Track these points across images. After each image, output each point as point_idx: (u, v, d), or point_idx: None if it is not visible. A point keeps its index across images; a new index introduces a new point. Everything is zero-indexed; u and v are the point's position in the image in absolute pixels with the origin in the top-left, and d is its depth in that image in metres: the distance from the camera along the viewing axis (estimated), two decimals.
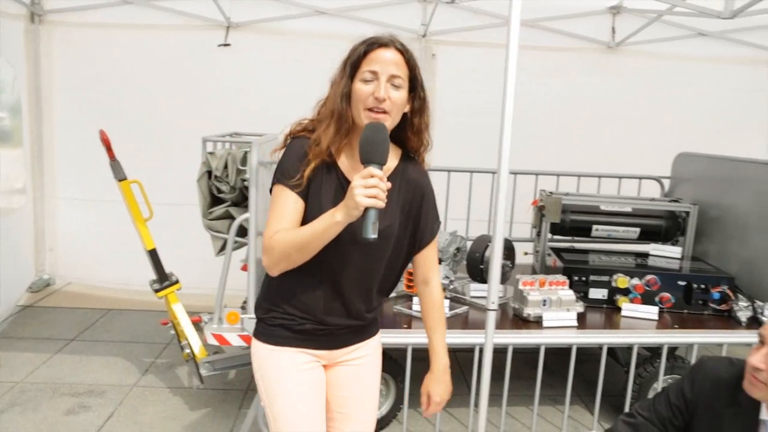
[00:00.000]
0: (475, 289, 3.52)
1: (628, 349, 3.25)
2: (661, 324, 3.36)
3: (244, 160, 3.40)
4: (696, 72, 5.19)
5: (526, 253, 4.27)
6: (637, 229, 4.00)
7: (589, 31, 5.13)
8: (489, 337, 2.37)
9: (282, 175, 1.70)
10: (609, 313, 3.48)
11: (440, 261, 3.58)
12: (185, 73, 4.93)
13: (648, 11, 4.78)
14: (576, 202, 3.96)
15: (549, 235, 4.00)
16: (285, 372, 1.81)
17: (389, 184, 1.56)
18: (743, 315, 3.38)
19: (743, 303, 3.41)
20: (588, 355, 3.82)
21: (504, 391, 3.13)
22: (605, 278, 3.52)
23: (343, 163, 1.75)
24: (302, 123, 1.80)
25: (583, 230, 4.01)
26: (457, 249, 3.64)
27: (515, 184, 4.22)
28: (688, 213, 3.99)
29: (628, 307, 3.43)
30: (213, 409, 3.53)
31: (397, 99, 1.67)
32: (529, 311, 3.20)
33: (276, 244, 1.64)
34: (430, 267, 1.94)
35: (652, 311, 3.40)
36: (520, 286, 3.26)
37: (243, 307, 3.28)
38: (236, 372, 3.95)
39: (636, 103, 5.13)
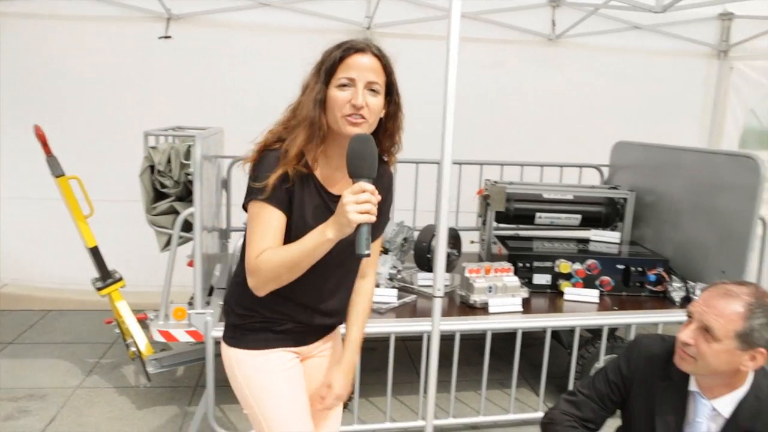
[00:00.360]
0: (422, 278, 3.57)
1: (571, 331, 3.36)
2: (602, 306, 3.49)
3: (187, 154, 3.35)
4: (632, 64, 5.36)
5: (472, 242, 4.35)
6: (579, 216, 4.13)
7: (530, 24, 5.23)
8: (436, 324, 2.41)
9: (259, 191, 1.60)
10: (552, 297, 3.59)
11: (387, 251, 3.62)
12: (125, 66, 4.79)
13: (585, 4, 4.91)
14: (520, 190, 4.06)
15: (494, 224, 4.09)
16: (272, 374, 1.80)
17: (380, 197, 1.51)
18: (677, 295, 3.54)
19: (677, 284, 3.57)
20: (533, 339, 3.93)
21: (452, 376, 3.19)
22: (548, 264, 3.63)
23: (320, 172, 1.69)
24: (274, 132, 1.69)
25: (526, 218, 4.11)
26: (405, 239, 3.68)
27: (460, 174, 4.28)
28: (625, 199, 4.14)
29: (571, 291, 3.54)
30: (161, 407, 3.47)
31: (375, 105, 1.62)
32: (476, 298, 3.27)
33: (264, 265, 1.58)
34: (370, 262, 1.93)
35: (593, 294, 3.52)
36: (467, 274, 3.32)
37: (190, 303, 3.24)
38: (185, 369, 3.89)
39: (576, 94, 5.26)
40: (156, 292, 3.42)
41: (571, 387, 3.35)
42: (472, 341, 3.39)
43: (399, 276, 3.53)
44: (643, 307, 3.50)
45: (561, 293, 3.58)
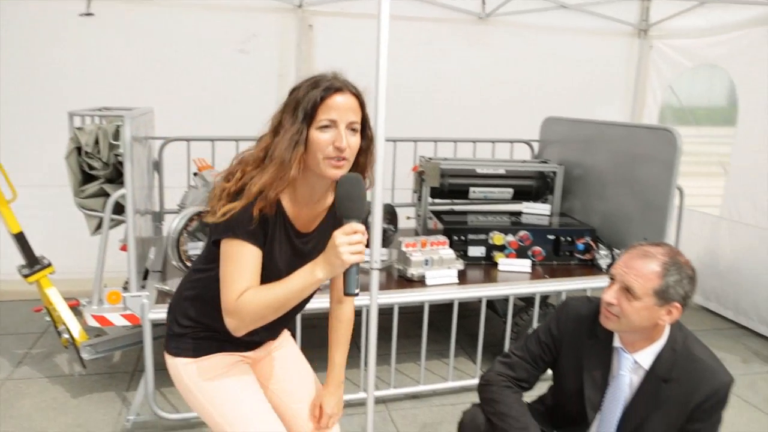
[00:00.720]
0: None
1: (505, 300, 3.48)
2: (534, 275, 3.63)
3: (116, 135, 3.25)
4: (559, 42, 5.51)
5: (408, 218, 4.43)
6: (511, 190, 4.25)
7: (461, 2, 5.30)
8: (374, 297, 2.45)
9: (233, 228, 1.56)
10: (487, 268, 3.71)
11: None
12: (46, 44, 4.58)
13: None
14: (453, 166, 4.15)
15: (429, 199, 4.16)
16: (225, 376, 1.80)
17: (366, 236, 1.51)
18: (604, 262, 3.73)
19: (603, 252, 3.76)
20: (470, 311, 4.05)
21: (392, 349, 3.26)
22: (482, 237, 3.74)
23: (289, 210, 1.67)
24: (246, 172, 1.60)
25: (461, 193, 4.21)
26: None
27: (395, 151, 4.34)
28: (555, 173, 4.29)
29: (504, 262, 3.67)
30: (98, 394, 3.39)
31: (355, 144, 1.60)
32: (413, 271, 3.34)
33: (246, 306, 1.55)
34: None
35: (525, 264, 3.66)
36: (403, 248, 3.38)
37: (125, 288, 3.17)
38: (121, 354, 3.81)
39: (506, 72, 5.38)
40: (87, 279, 3.33)
41: None
42: (411, 314, 3.46)
43: None
44: (573, 274, 3.66)
45: (495, 264, 3.70)
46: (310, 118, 1.54)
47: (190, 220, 3.28)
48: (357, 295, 1.54)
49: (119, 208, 3.10)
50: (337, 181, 1.56)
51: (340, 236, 1.48)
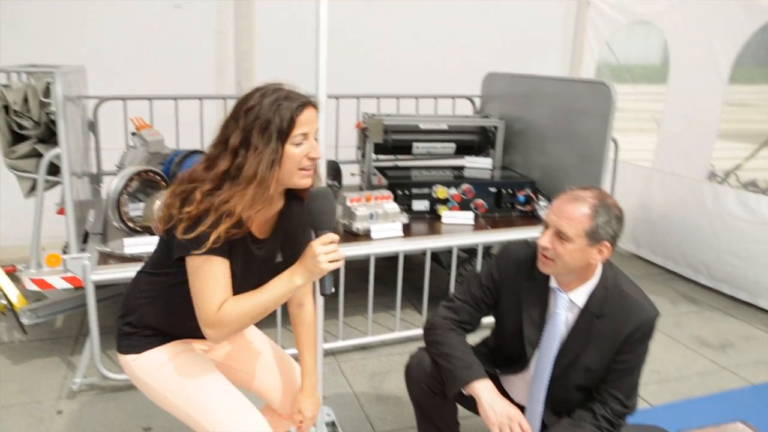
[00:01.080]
0: None
1: (449, 252, 3.57)
2: (477, 227, 3.73)
3: (47, 92, 3.12)
4: None
5: (353, 174, 4.45)
6: (453, 145, 4.32)
7: None
8: None
9: (201, 244, 1.55)
10: (431, 222, 3.79)
11: None
12: None
13: None
14: (396, 122, 4.17)
15: (373, 156, 4.19)
16: (179, 360, 1.80)
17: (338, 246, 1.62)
18: (543, 213, 3.83)
19: (543, 203, 3.88)
20: (415, 264, 4.14)
21: (340, 302, 3.32)
22: (426, 191, 3.80)
23: (247, 220, 1.65)
24: (204, 191, 1.59)
25: (404, 148, 4.25)
26: None
27: (338, 108, 4.32)
28: (496, 127, 4.38)
29: (448, 215, 3.75)
30: (42, 360, 3.33)
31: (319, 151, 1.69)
32: (358, 225, 3.38)
33: (227, 317, 1.59)
34: (305, 291, 1.99)
35: (468, 217, 3.75)
36: (348, 203, 3.41)
37: (65, 252, 3.09)
38: (63, 319, 3.74)
39: (448, 29, 5.39)
40: (22, 246, 3.24)
41: None
42: (358, 270, 3.51)
43: None
44: (514, 225, 3.78)
45: (439, 217, 3.78)
46: (285, 135, 1.58)
47: (130, 180, 3.22)
48: (333, 293, 1.68)
49: (54, 169, 3.01)
50: (311, 196, 1.67)
51: (318, 246, 1.59)
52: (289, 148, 1.59)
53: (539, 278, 2.03)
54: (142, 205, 3.29)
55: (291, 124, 1.57)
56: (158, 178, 3.38)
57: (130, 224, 3.20)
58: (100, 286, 2.89)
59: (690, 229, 4.70)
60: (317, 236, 1.62)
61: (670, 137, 4.90)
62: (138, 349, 1.80)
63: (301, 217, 1.85)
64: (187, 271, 1.61)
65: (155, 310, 1.79)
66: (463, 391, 1.97)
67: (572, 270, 1.93)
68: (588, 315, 1.97)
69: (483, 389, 1.93)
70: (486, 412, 1.90)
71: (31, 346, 3.46)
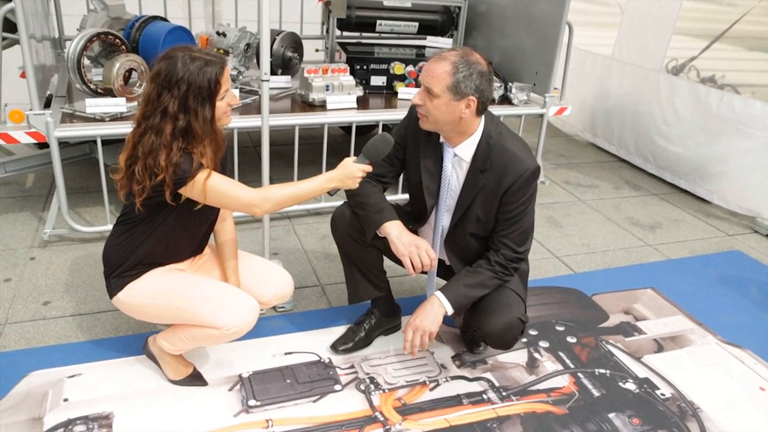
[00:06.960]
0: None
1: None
2: None
3: None
4: None
5: (317, 50, 4.51)
6: (416, 24, 4.37)
7: None
8: (264, 110, 2.61)
9: (190, 167, 1.89)
10: (388, 97, 3.93)
11: (229, 53, 3.71)
12: None
13: None
14: None
15: (337, 32, 4.24)
16: (166, 273, 2.16)
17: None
18: (497, 94, 4.00)
19: (497, 84, 4.01)
20: (368, 137, 4.30)
21: (294, 170, 3.52)
22: (384, 66, 3.91)
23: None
24: (169, 149, 1.89)
25: (368, 25, 4.30)
26: (248, 45, 3.76)
27: None
28: (459, 8, 4.41)
29: (404, 91, 3.88)
30: (14, 214, 3.52)
31: None
32: (314, 96, 3.52)
33: (272, 195, 1.97)
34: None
35: None
36: (305, 75, 3.53)
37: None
38: (34, 179, 3.92)
39: None
40: None
41: None
42: (313, 145, 3.65)
43: (241, 78, 3.68)
44: None
45: (395, 93, 3.91)
46: (214, 95, 1.92)
47: (90, 41, 3.28)
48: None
49: (11, 27, 3.05)
50: (382, 134, 2.10)
51: (357, 169, 2.03)
52: (218, 103, 1.95)
53: (434, 134, 2.22)
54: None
55: (217, 85, 1.91)
56: (119, 41, 3.45)
57: (92, 86, 3.30)
58: (63, 143, 3.02)
59: (643, 119, 4.88)
60: (360, 161, 2.05)
61: (630, 27, 4.97)
62: (126, 282, 2.13)
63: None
64: (197, 198, 1.94)
65: (145, 249, 2.10)
66: (378, 234, 2.23)
67: (446, 123, 2.09)
68: (475, 170, 2.18)
69: (392, 227, 2.20)
70: (396, 246, 2.16)
71: (3, 203, 3.65)
